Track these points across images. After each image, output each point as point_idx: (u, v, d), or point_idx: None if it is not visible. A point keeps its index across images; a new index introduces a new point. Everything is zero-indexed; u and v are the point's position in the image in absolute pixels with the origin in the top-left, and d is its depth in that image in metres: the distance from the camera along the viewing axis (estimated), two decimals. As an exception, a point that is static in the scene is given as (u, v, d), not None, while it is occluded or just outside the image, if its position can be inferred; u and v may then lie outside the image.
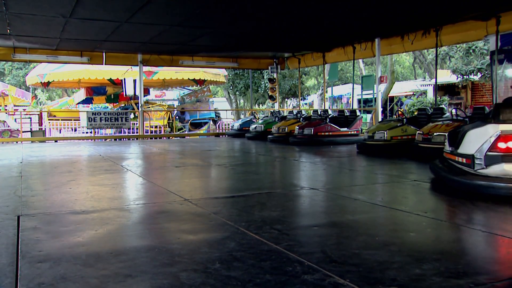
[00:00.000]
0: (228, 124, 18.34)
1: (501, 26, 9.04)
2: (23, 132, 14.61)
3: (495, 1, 8.44)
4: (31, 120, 17.21)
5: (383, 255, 2.61)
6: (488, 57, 15.99)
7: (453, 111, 8.35)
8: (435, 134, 7.42)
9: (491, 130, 4.20)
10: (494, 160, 4.10)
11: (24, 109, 20.81)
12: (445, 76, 20.30)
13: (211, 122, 18.50)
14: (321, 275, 2.28)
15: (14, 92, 20.77)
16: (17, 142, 13.35)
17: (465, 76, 17.67)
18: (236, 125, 15.42)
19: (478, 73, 17.28)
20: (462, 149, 4.59)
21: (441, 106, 11.10)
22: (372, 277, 2.26)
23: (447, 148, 5.14)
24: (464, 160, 4.47)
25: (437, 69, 12.06)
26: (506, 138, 4.06)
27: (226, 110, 24.53)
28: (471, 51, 17.37)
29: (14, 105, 21.69)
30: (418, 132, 7.91)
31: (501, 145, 4.08)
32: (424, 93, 21.37)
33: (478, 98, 20.44)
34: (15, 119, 16.17)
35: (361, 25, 10.42)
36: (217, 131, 17.32)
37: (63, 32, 10.17)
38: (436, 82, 11.90)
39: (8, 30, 9.99)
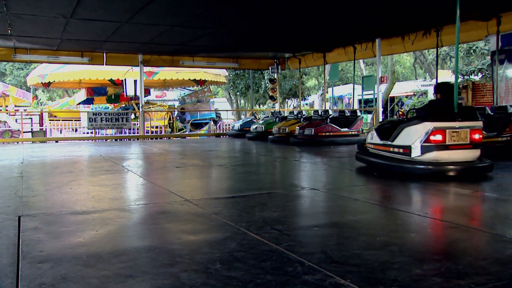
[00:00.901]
0: (229, 125, 18.35)
1: (501, 26, 9.04)
2: (24, 132, 14.64)
3: (496, 2, 8.44)
4: (32, 121, 17.25)
5: (384, 255, 2.61)
6: (489, 57, 15.98)
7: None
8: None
9: (425, 127, 5.44)
10: (428, 149, 5.41)
11: (25, 110, 20.83)
12: (446, 76, 20.29)
13: (212, 123, 18.51)
14: (322, 276, 2.28)
15: (15, 93, 20.77)
16: (18, 143, 13.36)
17: (465, 76, 17.67)
18: (237, 125, 15.42)
19: (479, 73, 17.28)
20: (399, 142, 5.82)
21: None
22: (373, 278, 2.26)
23: (377, 141, 6.37)
24: (401, 150, 5.74)
25: (438, 69, 12.06)
26: (437, 132, 5.37)
27: (227, 110, 24.55)
28: (471, 51, 17.37)
29: (15, 106, 21.70)
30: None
31: (433, 137, 5.38)
32: (425, 93, 21.36)
33: (479, 98, 20.40)
34: (16, 120, 16.19)
35: (362, 25, 10.43)
36: (217, 132, 17.33)
37: (64, 32, 10.18)
38: (437, 82, 11.88)
39: (9, 31, 10.01)
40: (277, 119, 13.52)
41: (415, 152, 5.51)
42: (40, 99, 31.77)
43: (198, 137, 16.34)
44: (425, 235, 3.17)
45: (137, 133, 15.30)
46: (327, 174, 6.48)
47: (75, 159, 8.69)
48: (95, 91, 19.56)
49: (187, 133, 17.36)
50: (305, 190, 4.96)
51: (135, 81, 16.89)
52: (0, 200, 4.39)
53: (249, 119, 15.49)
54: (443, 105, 5.78)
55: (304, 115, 13.04)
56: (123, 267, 2.45)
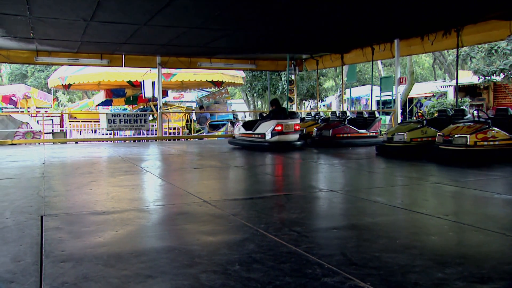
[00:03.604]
0: (246, 126, 18.32)
1: (525, 26, 8.85)
2: (45, 133, 14.89)
3: (519, 0, 8.27)
4: (52, 122, 17.51)
5: (404, 258, 2.58)
6: (511, 58, 15.66)
7: (475, 112, 8.21)
8: (456, 136, 7.29)
9: (273, 122, 9.84)
10: (274, 134, 9.80)
11: (46, 111, 21.21)
12: (466, 77, 19.95)
13: (229, 124, 18.55)
14: (342, 278, 2.27)
15: (37, 95, 21.16)
16: (39, 144, 13.61)
17: (487, 77, 17.32)
18: (254, 126, 15.40)
19: (501, 74, 16.91)
20: (258, 131, 10.13)
21: (462, 107, 10.90)
22: (393, 281, 2.24)
23: (243, 131, 10.70)
24: (260, 136, 10.05)
25: (458, 70, 11.86)
26: (278, 125, 9.78)
27: (244, 111, 24.51)
28: (493, 51, 17.00)
29: (37, 107, 22.12)
30: (439, 133, 7.79)
31: (277, 128, 9.78)
32: (444, 94, 21.01)
33: (500, 99, 20.03)
34: (38, 121, 16.49)
35: (380, 26, 10.33)
36: (235, 133, 17.33)
37: (84, 35, 10.34)
38: (457, 83, 11.69)
39: (32, 34, 10.21)
40: (294, 120, 13.47)
41: (268, 136, 9.86)
42: (60, 101, 32.29)
43: (216, 138, 16.40)
44: (447, 238, 3.12)
45: (155, 134, 15.43)
46: (345, 176, 6.44)
47: (94, 160, 8.82)
48: (114, 93, 19.78)
49: (204, 134, 17.44)
50: (323, 192, 4.94)
51: (153, 83, 17.04)
52: (23, 200, 4.48)
53: (266, 121, 15.45)
54: (279, 111, 10.12)
55: (321, 116, 12.97)
56: (143, 267, 2.48)
